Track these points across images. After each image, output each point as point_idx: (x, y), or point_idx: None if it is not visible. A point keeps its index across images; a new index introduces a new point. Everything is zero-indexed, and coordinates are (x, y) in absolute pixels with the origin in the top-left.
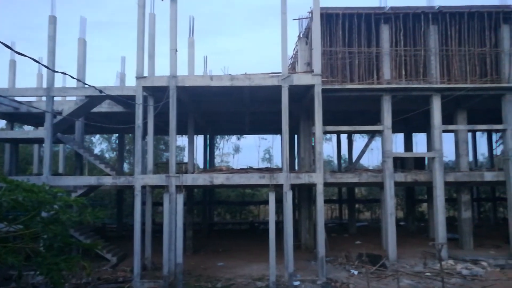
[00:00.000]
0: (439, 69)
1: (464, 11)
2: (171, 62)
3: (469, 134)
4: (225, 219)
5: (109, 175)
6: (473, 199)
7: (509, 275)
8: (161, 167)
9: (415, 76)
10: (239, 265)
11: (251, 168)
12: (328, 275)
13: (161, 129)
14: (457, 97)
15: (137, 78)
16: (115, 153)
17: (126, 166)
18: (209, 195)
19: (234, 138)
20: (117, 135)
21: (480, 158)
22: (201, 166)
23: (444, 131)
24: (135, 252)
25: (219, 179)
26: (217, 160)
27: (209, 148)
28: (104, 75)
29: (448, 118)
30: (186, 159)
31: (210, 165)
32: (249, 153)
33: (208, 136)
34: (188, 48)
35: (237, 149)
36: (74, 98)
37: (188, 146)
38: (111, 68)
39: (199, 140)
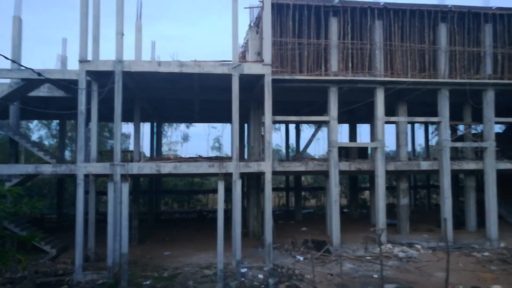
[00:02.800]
0: (383, 63)
1: (406, 9)
2: (117, 46)
3: (409, 125)
4: (173, 208)
5: (48, 163)
6: (410, 186)
7: (439, 256)
8: (105, 155)
9: (361, 69)
10: (187, 254)
11: (200, 157)
12: (275, 262)
13: (106, 115)
14: (398, 90)
15: (80, 62)
16: (55, 140)
17: (67, 154)
18: (156, 184)
19: (182, 126)
20: (58, 121)
21: (418, 148)
22: (148, 154)
23: (386, 122)
24: (77, 243)
25: (166, 168)
26: (164, 149)
27: (157, 136)
28: (43, 56)
29: (390, 110)
30: (132, 147)
31: (157, 154)
32: (199, 141)
33: (155, 123)
34: (136, 32)
35: (185, 138)
36: (8, 80)
37: (134, 134)
38: (50, 50)
39: (146, 127)
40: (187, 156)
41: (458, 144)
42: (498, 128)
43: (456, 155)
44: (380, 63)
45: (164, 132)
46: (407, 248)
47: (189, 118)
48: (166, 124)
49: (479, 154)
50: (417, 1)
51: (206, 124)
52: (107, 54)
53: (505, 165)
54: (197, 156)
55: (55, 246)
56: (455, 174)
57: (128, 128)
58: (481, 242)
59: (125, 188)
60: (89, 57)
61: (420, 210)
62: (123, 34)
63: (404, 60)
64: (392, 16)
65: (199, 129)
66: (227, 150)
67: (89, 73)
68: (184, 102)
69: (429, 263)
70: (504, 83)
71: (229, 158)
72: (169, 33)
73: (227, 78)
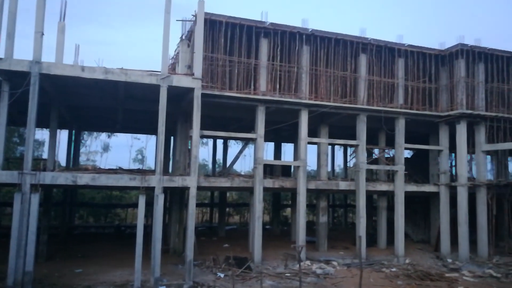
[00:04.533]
0: (308, 86)
1: (332, 37)
2: (35, 46)
3: (329, 147)
4: (88, 222)
5: None
6: (329, 205)
7: (353, 273)
8: (13, 162)
9: (288, 90)
10: (101, 271)
11: (121, 168)
12: (195, 279)
13: (17, 119)
14: (321, 113)
15: None
16: None
17: None
18: (71, 196)
19: (104, 135)
20: None
21: (337, 169)
22: (64, 164)
23: (309, 143)
24: None
25: (83, 179)
26: (82, 159)
27: (74, 145)
28: None
29: (313, 132)
30: (45, 155)
31: (74, 164)
32: (120, 152)
33: (74, 131)
34: (58, 33)
35: (106, 148)
36: None
37: (49, 141)
38: None
39: (63, 135)
40: (107, 168)
41: (373, 167)
42: (407, 154)
43: (371, 177)
44: (306, 86)
45: (83, 141)
46: (324, 265)
47: (111, 127)
48: (86, 132)
49: (390, 177)
50: (342, 30)
51: (129, 135)
52: (24, 53)
53: (412, 188)
54: (118, 168)
55: None
56: (369, 195)
57: (42, 134)
58: (390, 259)
59: (35, 199)
60: (1, 55)
61: (338, 228)
62: (43, 34)
63: (328, 85)
64: (319, 42)
65: (121, 139)
66: (150, 163)
67: (0, 72)
68: (107, 110)
69: (344, 279)
70: (413, 112)
71: (152, 171)
72: (95, 38)
73: (155, 89)
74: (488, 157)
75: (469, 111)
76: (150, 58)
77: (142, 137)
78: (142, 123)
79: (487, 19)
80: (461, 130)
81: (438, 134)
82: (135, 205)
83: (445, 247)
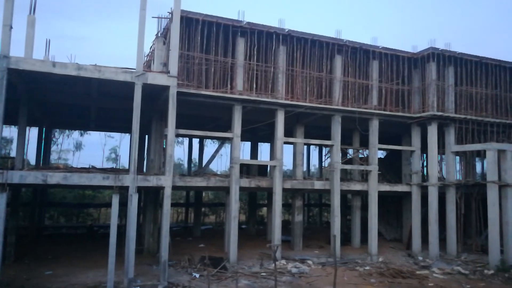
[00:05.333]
0: (285, 86)
1: (308, 38)
2: (3, 40)
3: (305, 147)
4: (59, 222)
5: None
6: (304, 204)
7: (328, 271)
8: None
9: (264, 90)
10: (72, 273)
11: (93, 167)
12: (170, 279)
13: None
14: (297, 114)
15: None
16: None
17: None
18: (41, 196)
19: (76, 133)
20: None
21: (312, 168)
22: (33, 162)
23: (285, 142)
24: None
25: (54, 178)
26: (54, 157)
27: (45, 143)
28: None
29: (289, 132)
30: (14, 154)
31: (44, 162)
32: (93, 151)
33: (44, 129)
34: (27, 27)
35: (79, 146)
36: None
37: (17, 139)
38: None
39: (32, 132)
40: (80, 167)
41: (347, 167)
42: (381, 154)
43: (346, 176)
44: (282, 86)
45: (54, 139)
46: (299, 264)
47: (84, 125)
48: (57, 130)
49: (364, 177)
50: (318, 31)
51: (102, 133)
52: None
53: (385, 187)
54: (91, 167)
55: None
56: (344, 194)
57: (11, 132)
58: (364, 257)
59: (2, 199)
60: None
61: (313, 227)
62: (11, 27)
63: (304, 86)
64: (295, 43)
65: (94, 137)
66: (124, 162)
67: None
68: (80, 108)
69: (319, 278)
70: (387, 114)
71: (126, 171)
72: (67, 33)
73: (130, 86)
74: (457, 157)
75: (440, 113)
76: (125, 55)
77: (116, 135)
78: (116, 121)
79: (458, 22)
80: (432, 132)
81: (411, 135)
82: (109, 205)
83: (417, 245)
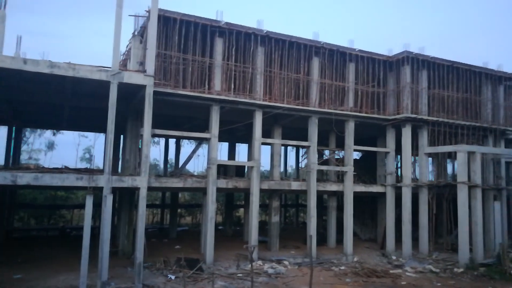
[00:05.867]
0: (263, 87)
1: (286, 39)
2: None
3: (282, 148)
4: (29, 224)
5: None
6: (281, 205)
7: (304, 271)
8: None
9: (242, 91)
10: (43, 276)
11: (66, 167)
12: (145, 281)
13: None
14: (275, 115)
15: None
16: None
17: None
18: (10, 197)
19: (48, 133)
20: None
21: (289, 169)
22: (2, 162)
23: (263, 143)
24: None
25: (24, 178)
26: (24, 157)
27: (15, 142)
28: None
29: (266, 132)
30: None
31: (14, 162)
32: (66, 151)
33: (14, 128)
34: None
35: (51, 146)
36: None
37: None
38: None
39: (1, 131)
40: (52, 167)
41: (324, 167)
42: (356, 155)
43: (322, 177)
44: (260, 87)
45: (24, 138)
46: (276, 264)
47: (57, 124)
48: (28, 129)
49: (340, 177)
50: (296, 33)
51: (76, 132)
52: None
53: (360, 188)
54: (64, 167)
55: None
56: (320, 195)
57: None
58: (339, 257)
59: None
60: None
61: (289, 227)
62: None
63: (282, 87)
64: (273, 44)
65: (68, 137)
66: (99, 162)
67: None
68: (53, 106)
69: (295, 278)
70: (362, 115)
71: (100, 171)
72: (40, 29)
73: (105, 85)
74: (430, 159)
75: (414, 115)
76: (101, 53)
77: (90, 135)
78: (91, 121)
79: (433, 26)
80: (406, 133)
81: (386, 137)
82: (82, 206)
83: (391, 245)
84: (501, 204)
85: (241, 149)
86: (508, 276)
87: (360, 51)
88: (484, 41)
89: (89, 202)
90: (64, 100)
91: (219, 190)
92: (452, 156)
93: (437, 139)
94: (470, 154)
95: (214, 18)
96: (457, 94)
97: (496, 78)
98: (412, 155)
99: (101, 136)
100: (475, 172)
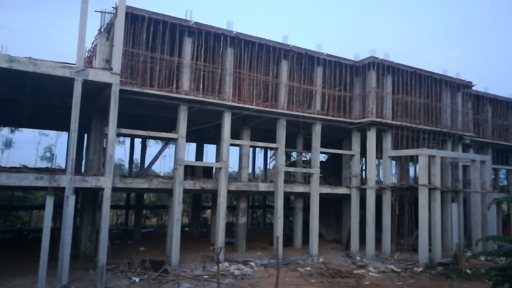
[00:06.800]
0: (232, 88)
1: (255, 41)
2: None
3: (250, 149)
4: None
5: None
6: (248, 206)
7: (270, 272)
8: None
9: (211, 91)
10: None
11: (25, 167)
12: (107, 284)
13: None
14: (244, 116)
15: None
16: None
17: None
18: None
19: (6, 130)
20: None
21: (257, 170)
22: None
23: (231, 144)
24: None
25: None
26: None
27: None
28: None
29: (235, 133)
30: None
31: None
32: (25, 149)
33: None
34: None
35: (9, 144)
36: None
37: None
38: None
39: None
40: (9, 166)
41: (291, 169)
42: (323, 157)
43: (289, 178)
44: (229, 88)
45: None
46: (242, 265)
47: (16, 121)
48: None
49: (307, 179)
50: (267, 36)
51: (36, 130)
52: None
53: (326, 189)
54: (22, 166)
55: None
56: (287, 196)
57: None
58: (305, 258)
59: None
60: None
61: (256, 228)
62: None
63: (251, 89)
64: (243, 46)
65: (27, 135)
66: (61, 161)
67: None
68: (11, 102)
69: (261, 279)
70: (329, 119)
71: (62, 171)
72: (9, 23)
73: (69, 82)
74: (393, 162)
75: (379, 119)
76: (69, 51)
77: (52, 133)
78: (53, 118)
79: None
80: (371, 137)
81: (351, 140)
82: (42, 207)
83: (355, 245)
84: (458, 206)
85: (209, 150)
86: (464, 275)
87: (328, 55)
88: (448, 48)
89: (49, 203)
90: (24, 96)
91: (186, 191)
92: (414, 159)
93: (400, 142)
94: (431, 157)
95: (184, 18)
96: (419, 100)
97: (455, 85)
98: (377, 158)
99: (64, 134)
100: (435, 175)
